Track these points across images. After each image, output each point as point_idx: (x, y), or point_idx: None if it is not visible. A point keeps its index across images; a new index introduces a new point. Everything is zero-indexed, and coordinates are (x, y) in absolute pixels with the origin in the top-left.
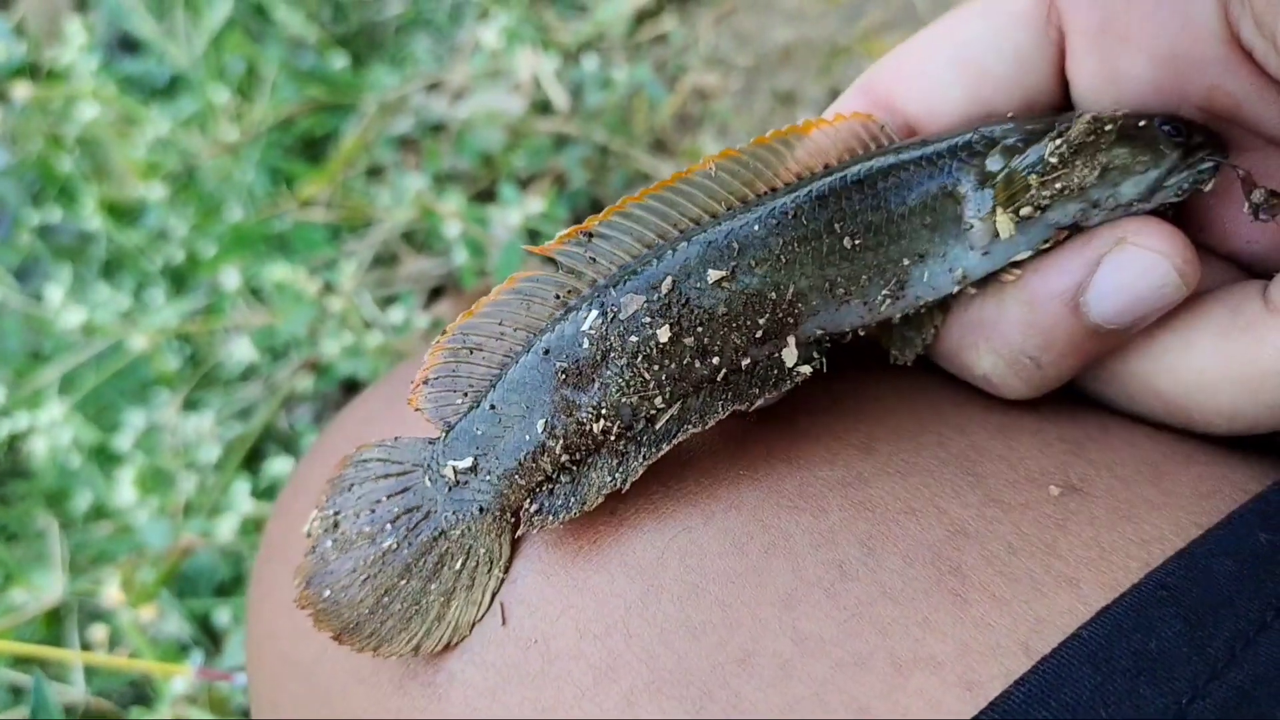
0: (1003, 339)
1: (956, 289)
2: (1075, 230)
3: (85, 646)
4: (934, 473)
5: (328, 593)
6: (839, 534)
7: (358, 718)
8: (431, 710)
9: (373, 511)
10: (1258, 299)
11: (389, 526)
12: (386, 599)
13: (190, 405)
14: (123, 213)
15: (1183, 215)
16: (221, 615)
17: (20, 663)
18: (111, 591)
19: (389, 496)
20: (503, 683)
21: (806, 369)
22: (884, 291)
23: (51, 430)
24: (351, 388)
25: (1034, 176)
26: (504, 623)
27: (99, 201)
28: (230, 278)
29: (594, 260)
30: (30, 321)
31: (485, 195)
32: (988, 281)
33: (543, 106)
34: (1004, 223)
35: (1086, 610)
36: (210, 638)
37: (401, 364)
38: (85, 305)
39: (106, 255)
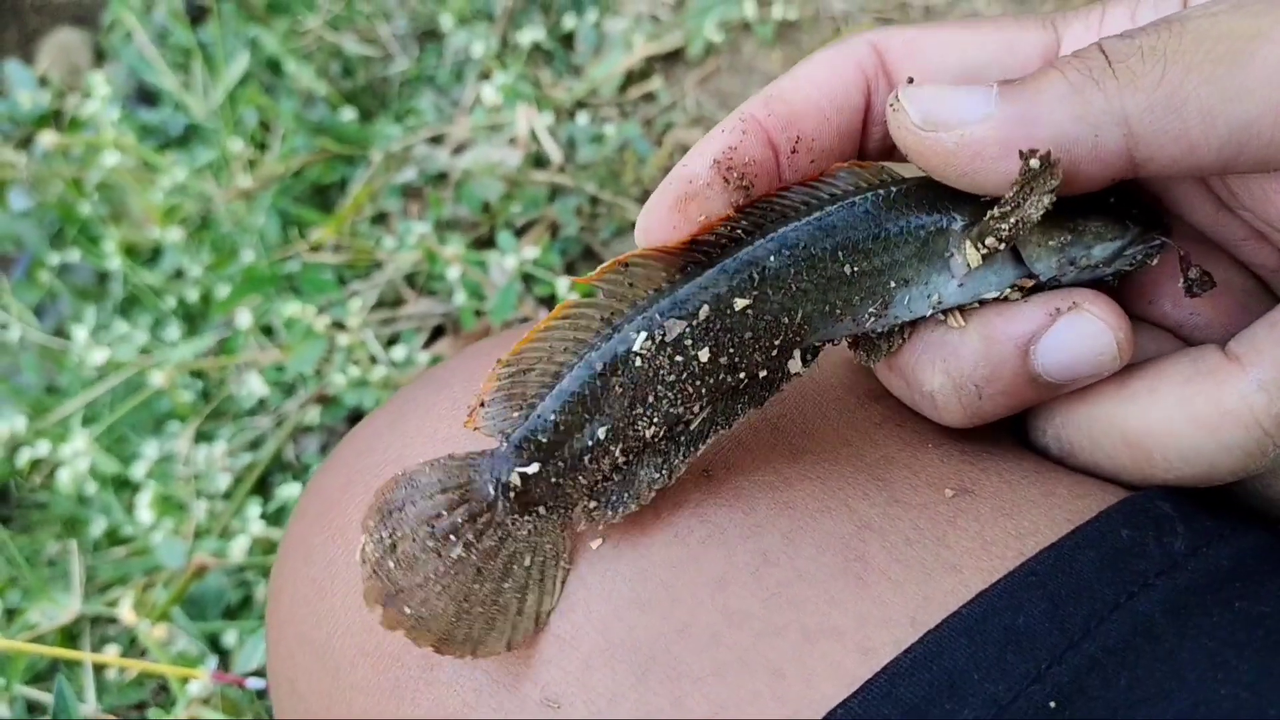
0: (957, 363)
1: (930, 313)
2: (1051, 286)
3: (98, 666)
4: (848, 478)
5: (408, 609)
6: (765, 527)
7: (361, 687)
8: (424, 678)
9: (432, 526)
10: (1217, 352)
11: (453, 537)
12: (467, 604)
13: (202, 437)
14: (139, 254)
15: (1131, 290)
16: (229, 637)
17: (35, 680)
18: (125, 611)
19: (449, 510)
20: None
21: (803, 370)
22: (870, 310)
23: (75, 460)
24: (356, 421)
25: (997, 209)
26: None
27: (119, 244)
28: (244, 317)
29: (632, 285)
30: (47, 356)
31: (484, 242)
32: (956, 312)
33: (538, 159)
34: (971, 254)
35: (967, 592)
36: (219, 657)
37: (397, 393)
38: (108, 343)
39: (123, 294)
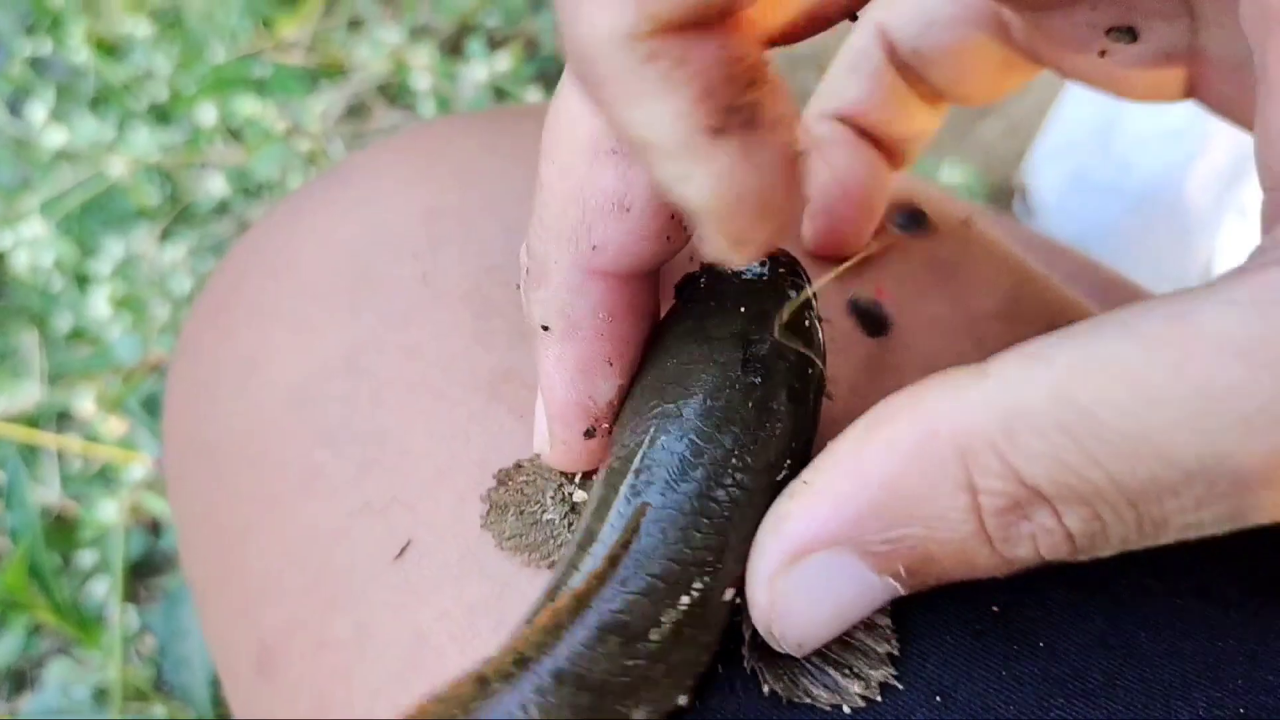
0: None
1: None
2: None
3: (63, 456)
4: None
5: None
6: None
7: (243, 495)
8: (302, 492)
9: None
10: None
11: None
12: None
13: (167, 237)
14: (110, 49)
15: None
16: None
17: None
18: (86, 403)
19: None
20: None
21: None
22: None
23: (34, 246)
24: None
25: None
26: None
27: (86, 34)
28: (208, 113)
29: None
30: (20, 150)
31: (457, 48)
32: None
33: None
34: None
35: None
36: None
37: (296, 189)
38: (68, 130)
39: (94, 91)
